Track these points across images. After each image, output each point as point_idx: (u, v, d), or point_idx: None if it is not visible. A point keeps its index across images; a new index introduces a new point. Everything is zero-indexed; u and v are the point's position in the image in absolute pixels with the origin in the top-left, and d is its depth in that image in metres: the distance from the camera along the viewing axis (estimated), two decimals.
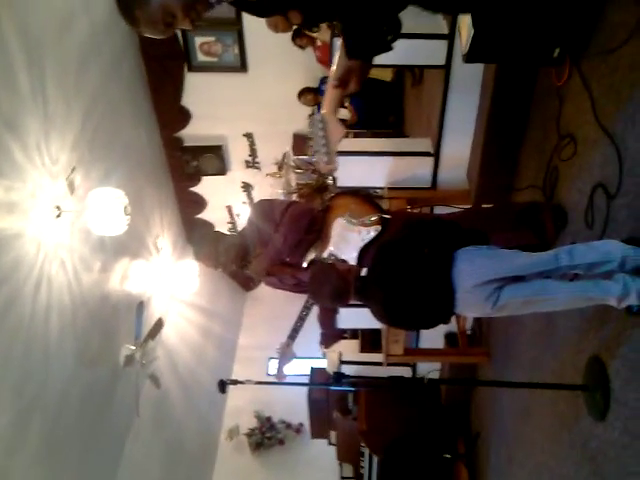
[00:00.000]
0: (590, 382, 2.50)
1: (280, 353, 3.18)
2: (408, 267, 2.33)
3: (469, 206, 3.82)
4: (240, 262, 3.15)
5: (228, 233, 3.12)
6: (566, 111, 2.95)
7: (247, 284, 8.85)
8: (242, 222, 7.32)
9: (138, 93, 5.86)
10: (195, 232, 3.00)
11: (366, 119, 5.94)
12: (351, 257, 2.96)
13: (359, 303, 2.55)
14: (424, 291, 2.29)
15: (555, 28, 2.66)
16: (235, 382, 2.74)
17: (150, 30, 1.77)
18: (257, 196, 7.00)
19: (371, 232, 2.93)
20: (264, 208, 3.22)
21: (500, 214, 3.24)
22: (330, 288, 2.53)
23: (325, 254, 3.02)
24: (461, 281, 2.23)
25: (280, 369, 3.22)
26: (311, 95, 5.96)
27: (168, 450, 6.71)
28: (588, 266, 2.19)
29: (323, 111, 2.08)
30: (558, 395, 2.90)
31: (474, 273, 2.22)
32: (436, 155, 4.07)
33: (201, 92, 6.06)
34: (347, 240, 2.96)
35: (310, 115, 3.48)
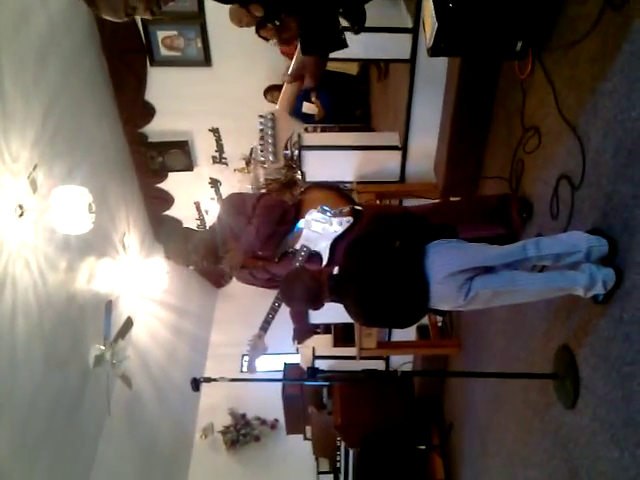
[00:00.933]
0: (560, 370, 2.54)
1: (251, 346, 3.12)
2: (380, 261, 2.33)
3: (438, 200, 3.84)
4: (211, 258, 3.12)
5: (197, 230, 3.06)
6: (530, 104, 2.98)
7: (218, 281, 8.77)
8: (211, 218, 7.25)
9: (100, 88, 5.74)
10: (163, 230, 2.93)
11: (333, 113, 5.92)
12: (323, 249, 2.95)
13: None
14: (398, 284, 2.29)
15: (517, 21, 2.68)
16: (208, 380, 2.71)
17: (110, 16, 1.77)
18: (225, 192, 6.94)
19: (343, 223, 2.93)
20: (235, 201, 3.18)
21: (469, 207, 3.27)
22: (303, 290, 2.49)
23: (297, 246, 3.00)
24: (433, 272, 2.25)
25: (251, 362, 3.17)
26: (277, 92, 5.89)
27: (142, 449, 6.64)
28: (555, 257, 2.23)
29: (276, 107, 2.07)
30: (529, 384, 2.95)
31: (445, 264, 2.24)
32: (404, 149, 4.08)
33: (165, 87, 5.96)
34: (319, 232, 2.95)
35: (260, 115, 3.50)
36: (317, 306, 2.56)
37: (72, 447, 5.14)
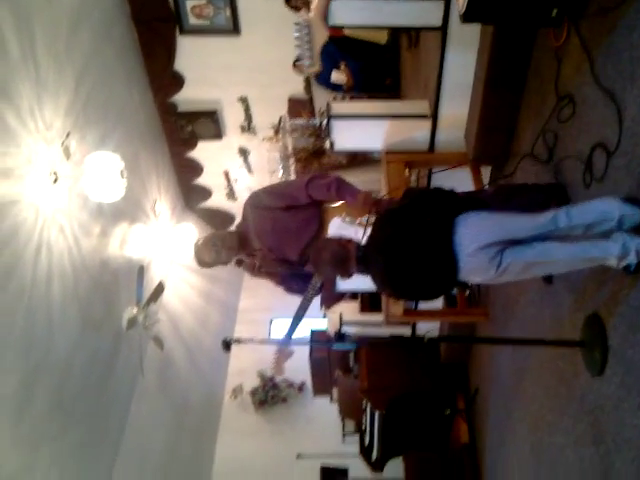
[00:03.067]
0: (588, 339, 2.56)
1: (278, 351, 3.16)
2: (410, 235, 2.35)
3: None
4: (242, 249, 3.12)
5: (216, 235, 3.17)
6: (564, 72, 2.93)
7: None
8: (239, 187, 7.32)
9: (130, 57, 5.78)
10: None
11: (363, 82, 5.87)
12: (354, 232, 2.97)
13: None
14: (427, 258, 2.31)
15: None
16: (239, 341, 2.79)
17: None
18: (254, 161, 6.98)
19: (367, 233, 2.96)
20: (278, 189, 3.17)
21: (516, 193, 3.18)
22: (330, 254, 2.55)
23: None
24: (464, 246, 2.26)
25: (278, 365, 3.21)
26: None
27: (174, 409, 6.86)
28: (586, 226, 2.21)
29: (310, 14, 2.07)
30: (556, 352, 2.98)
31: (475, 237, 2.25)
32: (434, 117, 4.04)
33: (194, 56, 5.97)
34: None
35: (296, 23, 3.50)
36: (345, 273, 2.59)
37: (106, 406, 5.35)
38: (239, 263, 3.07)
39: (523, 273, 2.29)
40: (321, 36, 2.10)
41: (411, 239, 2.34)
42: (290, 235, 3.05)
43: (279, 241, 3.07)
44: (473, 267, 2.28)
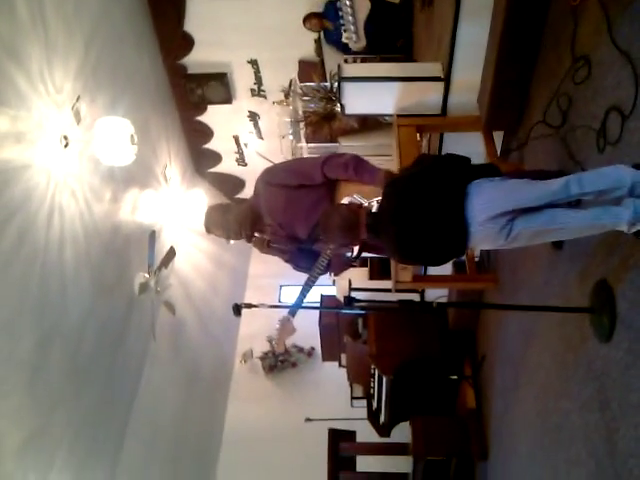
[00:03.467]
0: (597, 305, 2.54)
1: (279, 328, 3.15)
2: (422, 202, 2.33)
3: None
4: (253, 227, 3.10)
5: (234, 204, 3.12)
6: (581, 32, 2.85)
7: None
8: (249, 152, 7.28)
9: (139, 19, 5.71)
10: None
11: (374, 43, 5.77)
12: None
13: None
14: (438, 225, 2.30)
15: None
16: (249, 305, 2.81)
17: None
18: (264, 125, 6.92)
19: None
20: (293, 167, 3.13)
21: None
22: (340, 219, 2.53)
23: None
24: (474, 215, 2.25)
25: (280, 340, 3.20)
26: (316, 20, 5.79)
27: (185, 373, 6.98)
28: (598, 193, 2.19)
29: None
30: (564, 318, 2.97)
31: (487, 206, 2.24)
32: (447, 80, 3.97)
33: (204, 17, 5.90)
34: None
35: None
36: (354, 238, 2.58)
37: (120, 370, 5.44)
38: (249, 238, 3.06)
39: (534, 239, 2.29)
40: (364, 7, 2.00)
41: (423, 206, 2.32)
42: (301, 213, 3.04)
43: (290, 218, 3.06)
44: (483, 236, 2.28)
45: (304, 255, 3.19)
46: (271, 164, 3.21)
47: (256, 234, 3.17)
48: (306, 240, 3.07)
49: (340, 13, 3.33)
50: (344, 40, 5.58)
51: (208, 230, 3.14)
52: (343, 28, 3.39)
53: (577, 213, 2.23)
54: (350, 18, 2.58)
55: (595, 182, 2.18)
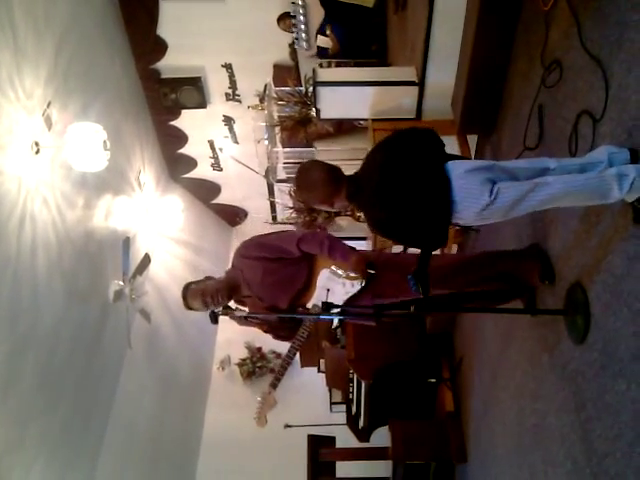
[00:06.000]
0: (571, 307, 2.57)
1: (261, 402, 3.11)
2: (403, 160, 2.28)
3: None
4: (229, 296, 3.02)
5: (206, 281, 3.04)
6: (552, 37, 2.89)
7: (233, 219, 8.83)
8: (224, 157, 7.24)
9: (111, 23, 5.65)
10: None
11: (349, 48, 5.78)
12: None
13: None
14: (420, 183, 2.23)
15: None
16: (226, 313, 2.77)
17: None
18: (239, 129, 6.89)
19: (355, 286, 2.90)
20: (269, 242, 3.08)
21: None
22: (322, 172, 2.37)
23: (310, 305, 2.98)
24: (454, 168, 2.23)
25: (262, 415, 3.16)
26: (289, 20, 5.78)
27: (162, 380, 6.89)
28: (580, 167, 2.18)
29: None
30: (539, 320, 2.99)
31: (467, 162, 2.29)
32: (421, 84, 3.99)
33: (177, 22, 5.86)
34: (332, 292, 2.92)
35: (293, 2, 3.39)
36: (336, 196, 2.39)
37: (94, 378, 5.36)
38: (226, 310, 3.01)
39: (517, 206, 2.18)
40: (318, 16, 1.97)
41: (404, 164, 2.27)
42: (280, 285, 3.00)
43: (269, 291, 3.03)
44: (465, 193, 2.20)
45: (284, 325, 3.15)
46: (247, 231, 3.14)
47: (233, 305, 3.11)
48: (287, 310, 3.04)
49: (293, 21, 3.32)
50: (318, 44, 5.59)
51: (186, 305, 3.05)
52: (295, 36, 3.39)
53: (562, 177, 2.16)
54: (302, 27, 2.57)
55: (574, 161, 2.24)
